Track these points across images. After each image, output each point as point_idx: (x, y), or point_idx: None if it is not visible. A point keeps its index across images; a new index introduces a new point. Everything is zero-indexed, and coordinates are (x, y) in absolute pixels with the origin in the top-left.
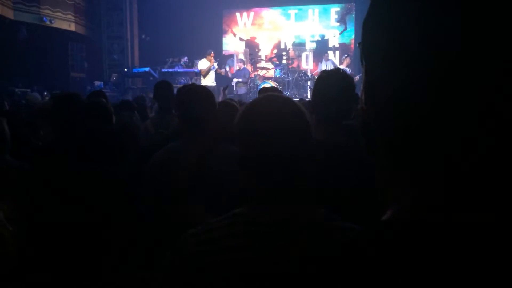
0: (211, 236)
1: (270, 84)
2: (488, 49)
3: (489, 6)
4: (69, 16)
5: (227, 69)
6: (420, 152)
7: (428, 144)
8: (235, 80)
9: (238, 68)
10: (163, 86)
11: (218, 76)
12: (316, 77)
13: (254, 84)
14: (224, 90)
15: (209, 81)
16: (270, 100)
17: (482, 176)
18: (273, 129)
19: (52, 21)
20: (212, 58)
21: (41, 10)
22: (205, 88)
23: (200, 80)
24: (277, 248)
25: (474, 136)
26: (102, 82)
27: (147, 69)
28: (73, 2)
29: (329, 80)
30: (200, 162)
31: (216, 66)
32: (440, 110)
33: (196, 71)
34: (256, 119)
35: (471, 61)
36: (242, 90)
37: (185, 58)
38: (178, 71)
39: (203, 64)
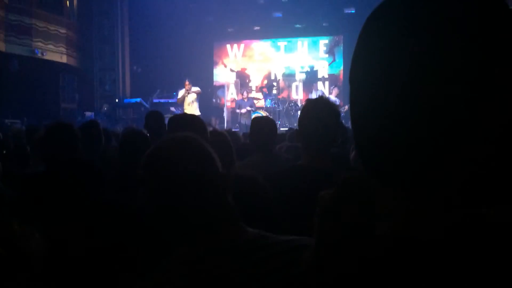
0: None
1: (261, 114)
2: (479, 86)
3: (481, 46)
4: (61, 48)
5: (218, 100)
6: (411, 173)
7: (419, 166)
8: (247, 109)
9: (242, 97)
10: (154, 116)
11: (207, 106)
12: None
13: None
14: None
15: (190, 110)
16: (174, 141)
17: (469, 197)
18: (177, 170)
19: (44, 53)
20: (186, 85)
21: (33, 43)
22: (196, 117)
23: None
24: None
25: (462, 162)
26: (93, 113)
27: (138, 99)
28: (65, 34)
29: (314, 109)
30: None
31: (188, 97)
32: (427, 139)
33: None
34: (161, 161)
35: (456, 97)
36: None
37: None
38: (169, 101)
39: (180, 93)
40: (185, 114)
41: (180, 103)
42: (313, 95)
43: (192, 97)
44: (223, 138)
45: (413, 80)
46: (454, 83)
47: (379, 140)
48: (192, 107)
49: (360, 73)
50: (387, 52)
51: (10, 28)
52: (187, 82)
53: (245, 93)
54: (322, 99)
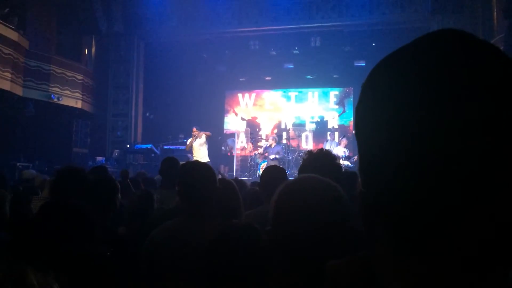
0: None
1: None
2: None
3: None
4: (77, 94)
5: (227, 148)
6: (421, 237)
7: (429, 229)
8: (275, 157)
9: (269, 145)
10: (169, 162)
11: (216, 154)
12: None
13: (254, 162)
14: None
15: (199, 155)
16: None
17: (485, 258)
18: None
19: (60, 99)
20: (194, 131)
21: (50, 88)
22: (206, 165)
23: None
24: None
25: (478, 222)
26: (103, 158)
27: (149, 145)
28: (82, 80)
29: (314, 161)
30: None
31: (196, 141)
32: (439, 195)
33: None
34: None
35: (459, 151)
36: None
37: None
38: (179, 148)
39: (189, 140)
40: (197, 161)
41: (189, 149)
42: (327, 145)
43: (200, 141)
44: (231, 187)
45: (423, 135)
46: (466, 135)
47: (388, 195)
48: (200, 152)
49: (367, 128)
50: (393, 105)
51: (28, 74)
52: (194, 129)
53: (270, 140)
54: (322, 151)
